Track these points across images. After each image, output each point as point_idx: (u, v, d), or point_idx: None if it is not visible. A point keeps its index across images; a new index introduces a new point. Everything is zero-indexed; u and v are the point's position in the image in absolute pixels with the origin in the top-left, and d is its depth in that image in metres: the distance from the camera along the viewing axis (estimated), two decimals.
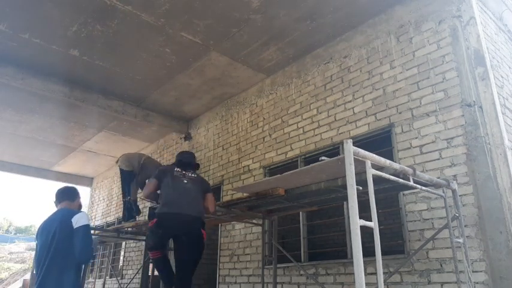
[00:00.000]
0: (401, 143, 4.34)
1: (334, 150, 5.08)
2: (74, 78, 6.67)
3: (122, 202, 6.61)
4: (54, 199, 3.36)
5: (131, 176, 6.53)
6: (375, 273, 2.22)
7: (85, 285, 11.11)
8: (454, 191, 3.32)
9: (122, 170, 6.54)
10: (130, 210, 6.53)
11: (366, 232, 2.24)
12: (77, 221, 3.06)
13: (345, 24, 5.19)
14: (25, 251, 31.52)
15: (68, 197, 3.37)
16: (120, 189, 6.96)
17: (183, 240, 3.98)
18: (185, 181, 4.17)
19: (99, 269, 10.97)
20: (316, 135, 5.37)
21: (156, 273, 7.49)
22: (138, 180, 6.48)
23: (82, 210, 3.32)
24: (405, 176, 2.75)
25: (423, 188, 2.94)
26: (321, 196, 3.81)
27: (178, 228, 3.94)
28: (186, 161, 4.48)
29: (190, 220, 3.94)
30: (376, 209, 2.24)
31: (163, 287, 3.85)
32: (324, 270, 4.74)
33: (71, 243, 2.99)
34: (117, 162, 6.70)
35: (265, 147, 6.16)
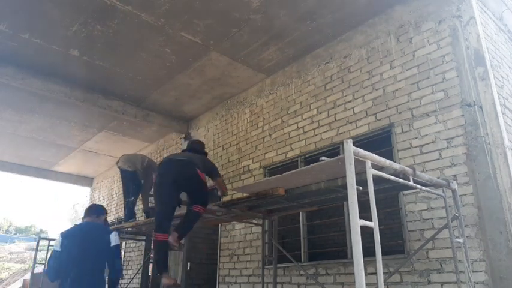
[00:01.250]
0: (401, 143, 4.34)
1: (334, 150, 5.08)
2: (74, 78, 6.67)
3: (125, 202, 6.57)
4: (83, 214, 3.92)
5: (134, 176, 6.52)
6: (375, 273, 2.21)
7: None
8: (454, 191, 3.32)
9: (124, 171, 6.49)
10: (132, 210, 6.53)
11: (366, 232, 2.24)
12: (113, 240, 3.60)
13: (345, 24, 5.19)
14: (25, 251, 31.50)
15: (94, 212, 3.87)
16: (121, 189, 6.93)
17: (182, 186, 4.23)
18: (180, 152, 4.83)
19: None
20: (316, 135, 5.37)
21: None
22: (146, 182, 6.51)
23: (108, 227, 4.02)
24: (405, 176, 2.75)
25: (423, 188, 2.94)
26: (321, 196, 3.81)
27: (172, 171, 4.25)
28: (193, 146, 4.98)
29: (182, 163, 4.33)
30: (376, 209, 2.24)
31: (156, 273, 4.05)
32: (324, 270, 4.74)
33: (106, 258, 3.55)
34: (117, 163, 6.65)
35: (265, 147, 6.16)
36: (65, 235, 3.57)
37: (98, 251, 3.52)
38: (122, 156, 6.69)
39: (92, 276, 3.41)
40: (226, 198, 6.20)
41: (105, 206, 12.09)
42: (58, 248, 3.49)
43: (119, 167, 6.55)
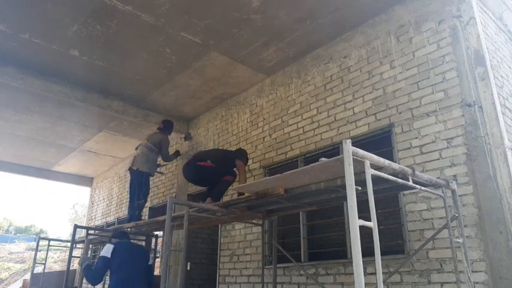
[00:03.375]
0: (401, 143, 4.34)
1: (334, 150, 5.08)
2: (74, 78, 6.67)
3: (135, 204, 6.54)
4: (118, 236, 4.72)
5: (148, 177, 6.57)
6: (375, 273, 2.21)
7: (85, 285, 11.11)
8: (453, 191, 3.32)
9: (142, 173, 6.49)
10: (140, 212, 6.55)
11: (366, 232, 2.24)
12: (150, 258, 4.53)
13: (345, 24, 5.19)
14: (25, 251, 31.49)
15: (126, 235, 4.86)
16: (121, 189, 6.91)
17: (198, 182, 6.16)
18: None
19: None
20: (316, 135, 5.36)
21: (156, 273, 7.50)
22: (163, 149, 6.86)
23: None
24: (404, 176, 2.74)
25: (422, 188, 2.93)
26: (321, 196, 3.80)
27: (186, 175, 5.80)
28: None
29: (189, 168, 5.71)
30: (376, 209, 2.24)
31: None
32: (324, 270, 4.74)
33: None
34: (133, 165, 6.57)
35: (265, 147, 6.16)
36: (117, 248, 4.17)
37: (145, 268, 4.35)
38: (134, 158, 6.62)
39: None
40: (226, 198, 6.20)
41: (105, 206, 12.04)
42: (109, 255, 4.04)
43: (136, 169, 6.51)
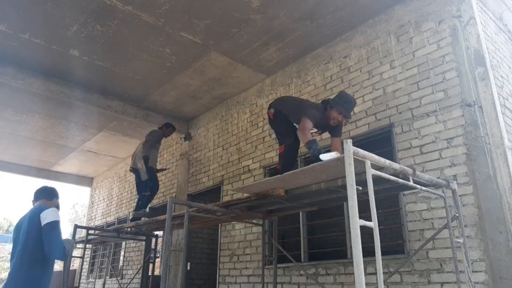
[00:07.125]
0: (401, 143, 4.34)
1: None
2: (74, 78, 6.67)
3: (140, 195, 6.58)
4: (32, 198, 3.38)
5: (151, 172, 6.60)
6: (375, 273, 2.22)
7: (85, 286, 11.13)
8: (453, 191, 3.32)
9: (137, 170, 6.55)
10: (147, 202, 6.58)
11: (366, 232, 2.24)
12: (45, 218, 3.03)
13: (345, 24, 5.19)
14: None
15: (44, 195, 3.36)
16: (121, 189, 6.91)
17: None
18: None
19: (99, 269, 10.98)
20: None
21: (156, 273, 7.51)
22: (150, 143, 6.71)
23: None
24: (405, 176, 2.74)
25: (423, 188, 2.94)
26: (321, 196, 3.80)
27: None
28: None
29: None
30: (376, 209, 2.24)
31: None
32: (324, 270, 4.74)
33: (39, 239, 2.98)
34: (132, 166, 6.65)
35: (265, 147, 6.16)
36: (16, 223, 3.23)
37: (32, 238, 3.01)
38: (150, 157, 6.66)
39: (27, 268, 2.95)
40: (226, 198, 6.20)
41: (105, 206, 12.04)
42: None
43: (134, 168, 6.57)
